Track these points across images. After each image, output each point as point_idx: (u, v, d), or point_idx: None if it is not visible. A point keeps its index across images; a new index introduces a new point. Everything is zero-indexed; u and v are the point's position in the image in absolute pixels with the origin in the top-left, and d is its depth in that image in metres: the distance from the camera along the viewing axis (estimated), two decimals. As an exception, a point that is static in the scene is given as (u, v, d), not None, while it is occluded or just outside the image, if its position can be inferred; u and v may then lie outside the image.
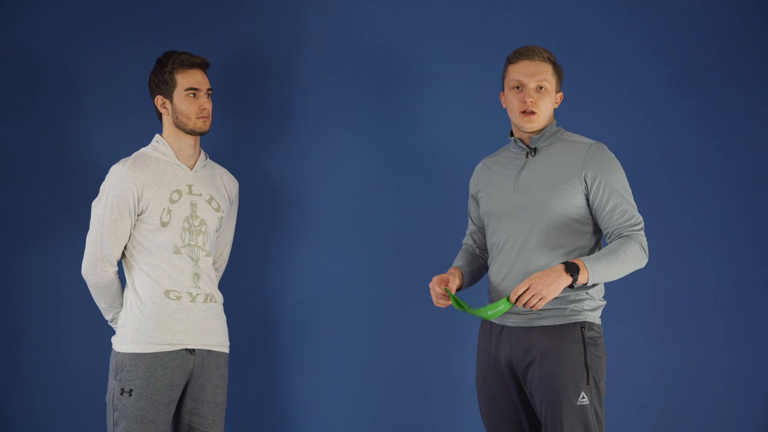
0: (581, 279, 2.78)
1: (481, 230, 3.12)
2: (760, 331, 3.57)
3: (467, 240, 3.18)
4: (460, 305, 2.85)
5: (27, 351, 3.69)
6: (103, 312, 3.23)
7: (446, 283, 2.93)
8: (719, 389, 3.57)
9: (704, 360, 3.57)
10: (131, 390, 3.06)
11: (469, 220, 3.17)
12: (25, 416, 3.69)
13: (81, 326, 3.65)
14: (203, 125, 3.22)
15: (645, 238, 2.87)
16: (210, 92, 3.25)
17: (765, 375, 3.57)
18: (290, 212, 3.72)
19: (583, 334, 2.83)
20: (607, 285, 2.95)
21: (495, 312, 2.80)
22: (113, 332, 3.20)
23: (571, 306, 2.85)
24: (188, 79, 3.20)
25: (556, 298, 2.83)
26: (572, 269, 2.77)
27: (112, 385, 3.10)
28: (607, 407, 2.87)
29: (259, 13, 3.76)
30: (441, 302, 2.93)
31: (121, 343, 3.12)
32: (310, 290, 3.71)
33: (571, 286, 2.79)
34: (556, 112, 3.01)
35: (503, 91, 3.00)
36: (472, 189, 3.13)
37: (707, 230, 3.60)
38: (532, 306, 2.75)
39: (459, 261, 3.11)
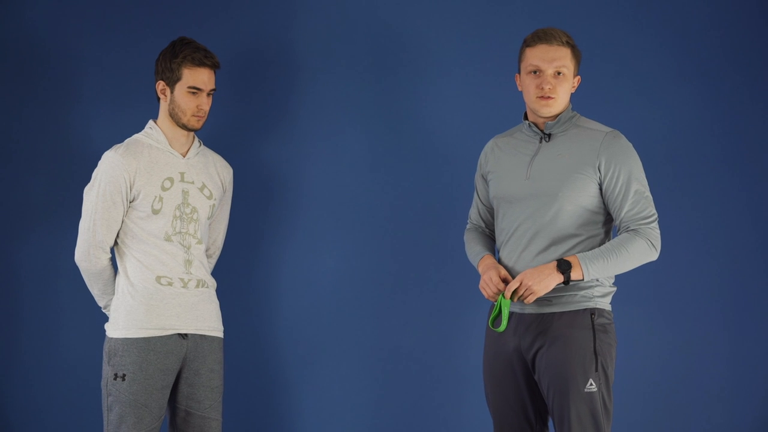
0: (575, 276, 2.78)
1: (490, 210, 3.08)
2: (766, 322, 3.60)
3: (476, 219, 3.13)
4: (499, 315, 2.86)
5: (24, 337, 3.69)
6: (96, 298, 3.22)
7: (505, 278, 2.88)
8: (723, 379, 3.59)
9: (709, 349, 3.59)
10: (124, 375, 3.06)
11: (476, 197, 3.12)
12: (22, 401, 3.69)
13: (79, 313, 3.64)
14: (196, 123, 3.19)
15: (657, 231, 2.84)
16: (212, 91, 3.21)
17: (768, 365, 3.63)
18: (288, 199, 3.70)
19: (592, 321, 2.82)
20: (615, 273, 2.95)
21: (505, 318, 2.83)
22: (108, 319, 3.18)
23: (581, 292, 2.85)
24: (195, 77, 3.16)
25: (566, 285, 2.82)
26: (564, 267, 2.77)
27: (106, 371, 3.10)
28: (614, 394, 2.86)
29: (260, 0, 3.75)
30: (490, 290, 2.87)
31: (113, 329, 3.12)
32: (308, 278, 3.69)
33: (566, 283, 2.79)
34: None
35: (519, 73, 2.95)
36: (482, 168, 3.08)
37: (712, 220, 3.62)
38: (524, 299, 2.79)
39: (484, 248, 3.02)
